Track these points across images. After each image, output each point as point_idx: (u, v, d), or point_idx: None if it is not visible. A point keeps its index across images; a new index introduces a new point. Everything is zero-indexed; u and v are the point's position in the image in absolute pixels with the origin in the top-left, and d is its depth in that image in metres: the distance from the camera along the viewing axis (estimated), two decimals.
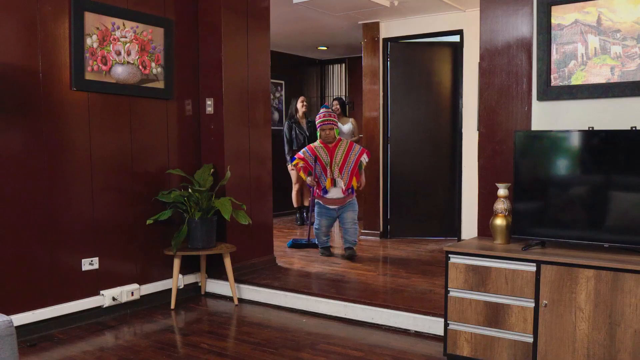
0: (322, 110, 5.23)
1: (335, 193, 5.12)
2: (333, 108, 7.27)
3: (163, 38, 4.19)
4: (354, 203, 5.23)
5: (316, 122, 5.24)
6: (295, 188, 7.10)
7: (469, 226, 5.79)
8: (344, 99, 8.07)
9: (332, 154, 5.09)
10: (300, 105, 7.05)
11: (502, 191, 3.05)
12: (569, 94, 3.05)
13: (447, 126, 6.19)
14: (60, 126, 3.64)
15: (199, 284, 4.51)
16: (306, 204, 7.13)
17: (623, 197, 2.77)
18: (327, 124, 5.14)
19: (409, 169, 6.23)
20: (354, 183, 5.12)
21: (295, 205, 7.24)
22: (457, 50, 6.01)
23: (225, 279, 4.29)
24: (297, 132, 6.98)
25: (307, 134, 6.97)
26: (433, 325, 3.45)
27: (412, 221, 6.29)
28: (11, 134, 3.40)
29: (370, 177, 6.28)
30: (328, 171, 5.08)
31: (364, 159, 5.15)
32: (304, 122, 7.07)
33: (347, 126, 7.36)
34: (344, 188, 5.08)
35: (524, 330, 2.79)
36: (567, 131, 2.92)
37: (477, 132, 5.40)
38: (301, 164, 5.18)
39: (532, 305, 2.76)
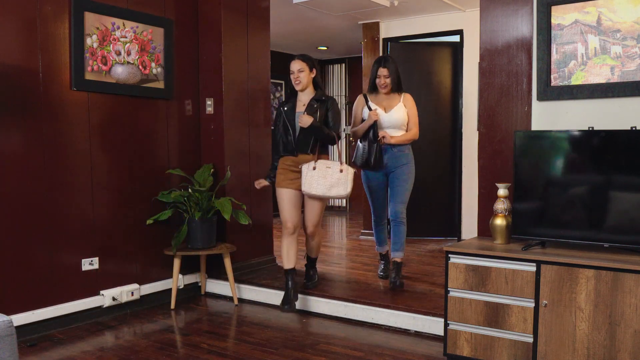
0: None
1: None
2: (382, 82, 4.07)
3: (163, 38, 4.19)
4: None
5: None
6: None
7: (469, 226, 5.79)
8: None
9: None
10: (293, 77, 3.81)
11: (502, 191, 3.05)
12: (569, 94, 3.05)
13: (447, 126, 6.19)
14: (60, 126, 3.64)
15: (199, 284, 4.51)
16: (313, 255, 4.18)
17: (623, 197, 2.77)
18: None
19: None
20: None
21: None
22: (457, 50, 6.01)
23: (225, 279, 4.29)
24: (284, 121, 3.87)
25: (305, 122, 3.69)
26: (433, 325, 3.45)
27: (412, 221, 6.26)
28: (11, 134, 3.40)
29: None
30: None
31: None
32: (301, 102, 3.85)
33: (399, 112, 4.06)
34: None
35: (524, 330, 2.79)
36: (567, 131, 2.92)
37: (477, 132, 5.40)
38: None
39: (532, 305, 2.76)
